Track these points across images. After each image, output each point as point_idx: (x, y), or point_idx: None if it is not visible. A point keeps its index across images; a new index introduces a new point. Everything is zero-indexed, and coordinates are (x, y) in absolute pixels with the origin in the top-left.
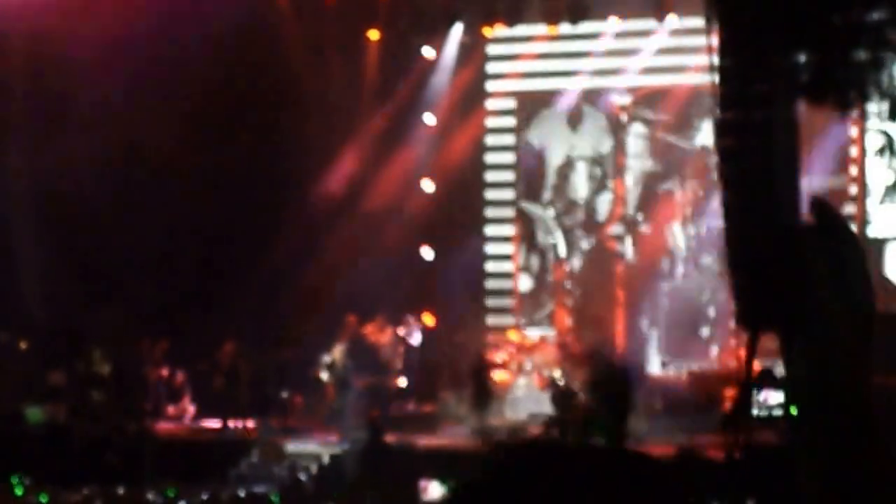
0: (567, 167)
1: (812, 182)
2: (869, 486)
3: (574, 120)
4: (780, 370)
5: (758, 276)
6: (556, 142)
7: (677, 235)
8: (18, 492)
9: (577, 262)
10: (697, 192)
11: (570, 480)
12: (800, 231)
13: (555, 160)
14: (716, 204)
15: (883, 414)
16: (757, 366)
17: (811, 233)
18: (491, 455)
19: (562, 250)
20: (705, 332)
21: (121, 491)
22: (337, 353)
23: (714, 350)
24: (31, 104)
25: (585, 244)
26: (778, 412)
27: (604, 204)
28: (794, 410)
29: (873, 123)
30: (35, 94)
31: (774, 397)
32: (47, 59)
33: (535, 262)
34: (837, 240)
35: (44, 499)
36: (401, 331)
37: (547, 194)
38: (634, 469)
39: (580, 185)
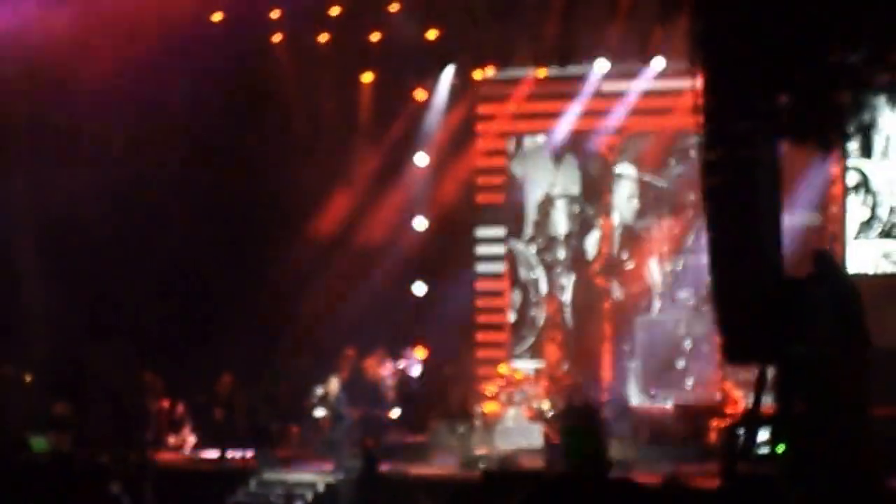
0: (547, 204)
1: (794, 219)
2: None
3: (559, 159)
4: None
5: (743, 312)
6: (538, 179)
7: (654, 272)
8: None
9: (565, 297)
10: (674, 229)
11: None
12: (803, 279)
13: (536, 197)
14: (692, 241)
15: (883, 444)
16: (741, 405)
17: (813, 280)
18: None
19: (543, 286)
20: (681, 364)
21: None
22: (331, 385)
23: (691, 382)
24: (32, 138)
25: (570, 280)
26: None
27: (591, 241)
28: (781, 448)
29: (850, 161)
30: (36, 128)
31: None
32: (48, 93)
33: (518, 297)
34: (838, 286)
35: None
36: (400, 363)
37: (528, 230)
38: (621, 496)
39: (560, 222)
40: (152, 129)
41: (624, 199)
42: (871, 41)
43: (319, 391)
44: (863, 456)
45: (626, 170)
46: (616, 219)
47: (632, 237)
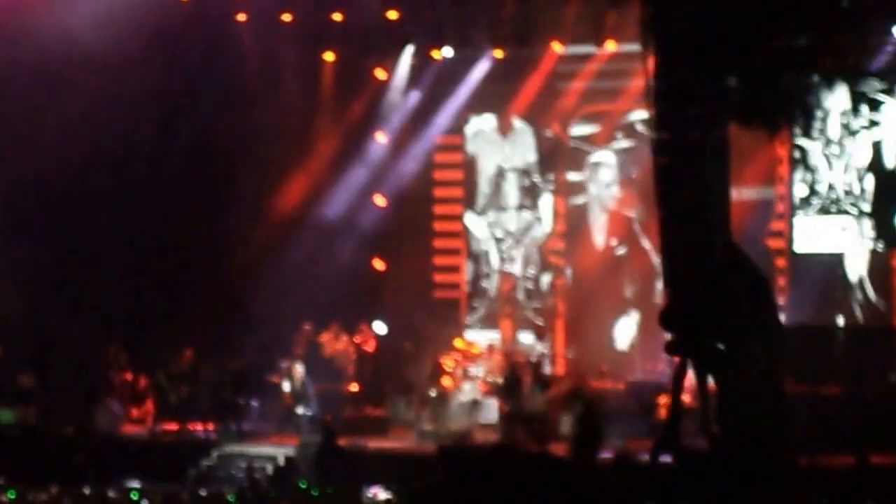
0: (499, 177)
1: (742, 194)
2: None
3: (511, 135)
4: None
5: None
6: (490, 154)
7: (600, 247)
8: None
9: (515, 270)
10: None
11: (511, 483)
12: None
13: (488, 171)
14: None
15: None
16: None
17: (726, 271)
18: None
19: (494, 258)
20: (631, 343)
21: (87, 490)
22: (296, 370)
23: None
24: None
25: (520, 253)
26: None
27: (545, 216)
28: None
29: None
30: (10, 102)
31: None
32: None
33: (470, 268)
34: (747, 273)
35: (12, 495)
36: (357, 338)
37: (481, 202)
38: (569, 470)
39: (511, 195)
40: (117, 106)
41: (603, 186)
42: (816, 26)
43: (283, 365)
44: (779, 436)
45: (604, 157)
46: (567, 197)
47: (582, 214)
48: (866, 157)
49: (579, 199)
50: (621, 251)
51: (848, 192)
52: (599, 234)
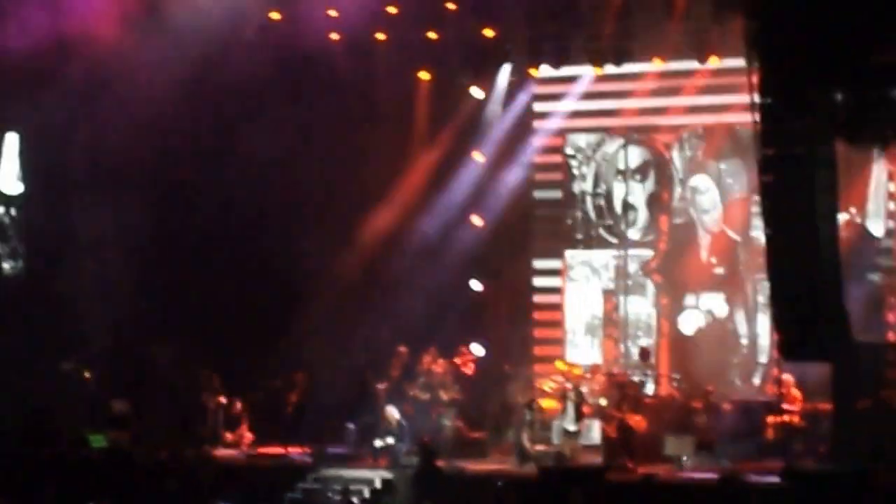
0: (599, 198)
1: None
2: None
3: (614, 154)
4: None
5: (800, 309)
6: (594, 175)
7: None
8: None
9: (622, 295)
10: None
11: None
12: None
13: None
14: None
15: None
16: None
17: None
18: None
19: (608, 283)
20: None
21: None
22: (390, 414)
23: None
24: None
25: (630, 277)
26: None
27: (647, 238)
28: None
29: None
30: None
31: None
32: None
33: (579, 294)
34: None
35: None
36: (455, 360)
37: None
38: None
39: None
40: (214, 132)
41: (701, 211)
42: None
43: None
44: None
45: (701, 182)
46: (673, 216)
47: (688, 234)
48: None
49: (680, 219)
50: (720, 270)
51: None
52: (704, 251)
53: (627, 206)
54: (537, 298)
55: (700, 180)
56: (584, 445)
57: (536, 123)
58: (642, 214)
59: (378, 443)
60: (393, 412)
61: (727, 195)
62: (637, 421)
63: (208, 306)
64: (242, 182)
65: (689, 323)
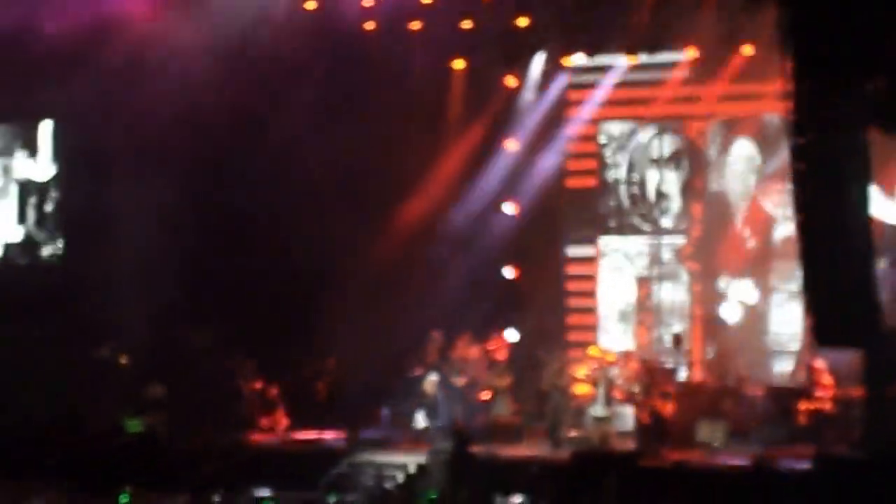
0: (632, 186)
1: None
2: None
3: (648, 143)
4: None
5: (833, 295)
6: (626, 163)
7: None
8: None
9: (656, 281)
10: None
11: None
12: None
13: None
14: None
15: None
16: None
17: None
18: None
19: (641, 270)
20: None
21: (216, 498)
22: (428, 385)
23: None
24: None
25: (664, 264)
26: None
27: (681, 225)
28: None
29: None
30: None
31: None
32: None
33: (613, 281)
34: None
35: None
36: (489, 346)
37: (614, 218)
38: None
39: (647, 204)
40: (253, 119)
41: (715, 185)
42: None
43: (418, 373)
44: None
45: (740, 149)
46: (707, 204)
47: (724, 220)
48: None
49: (714, 207)
50: (752, 243)
51: None
52: (738, 222)
53: (661, 194)
54: (571, 285)
55: (738, 147)
56: (618, 432)
57: (570, 112)
58: (676, 202)
59: (420, 421)
60: (433, 381)
61: (763, 170)
62: (669, 407)
63: (244, 292)
64: (278, 169)
65: (731, 312)
